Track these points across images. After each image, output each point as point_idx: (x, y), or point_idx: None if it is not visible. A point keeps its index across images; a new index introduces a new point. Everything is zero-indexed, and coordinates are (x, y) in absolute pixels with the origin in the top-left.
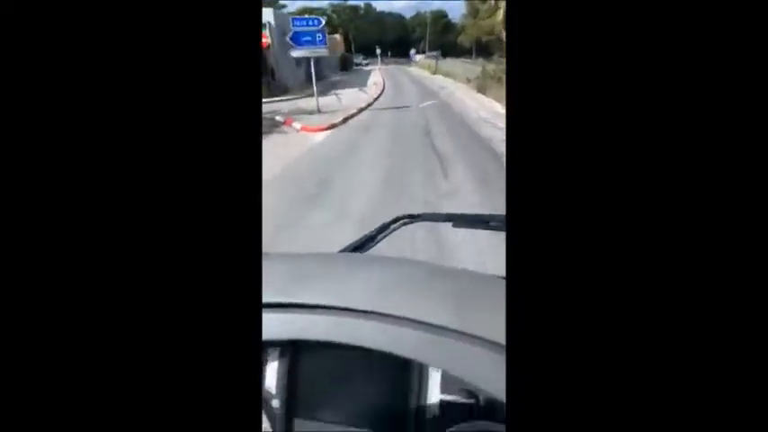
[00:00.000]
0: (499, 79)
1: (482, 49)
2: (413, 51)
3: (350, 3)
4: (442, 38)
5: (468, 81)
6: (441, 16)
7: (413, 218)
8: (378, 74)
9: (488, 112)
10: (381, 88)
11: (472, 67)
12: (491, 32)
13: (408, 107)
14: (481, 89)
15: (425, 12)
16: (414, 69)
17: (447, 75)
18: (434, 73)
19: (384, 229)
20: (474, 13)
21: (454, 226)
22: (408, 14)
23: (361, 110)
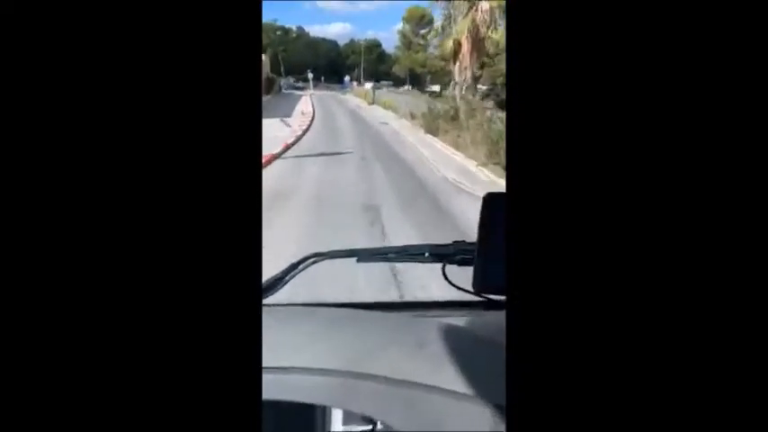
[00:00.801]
0: (453, 119)
1: (415, 80)
2: (347, 78)
3: (279, 24)
4: (375, 66)
5: (413, 117)
6: (375, 45)
7: (320, 255)
8: (307, 101)
9: (454, 170)
10: (309, 119)
11: (412, 99)
12: (424, 65)
13: (342, 154)
14: (431, 130)
15: (359, 40)
16: (348, 97)
17: (386, 106)
18: (372, 103)
19: (293, 268)
20: (407, 44)
21: (358, 261)
22: (342, 41)
23: (274, 157)
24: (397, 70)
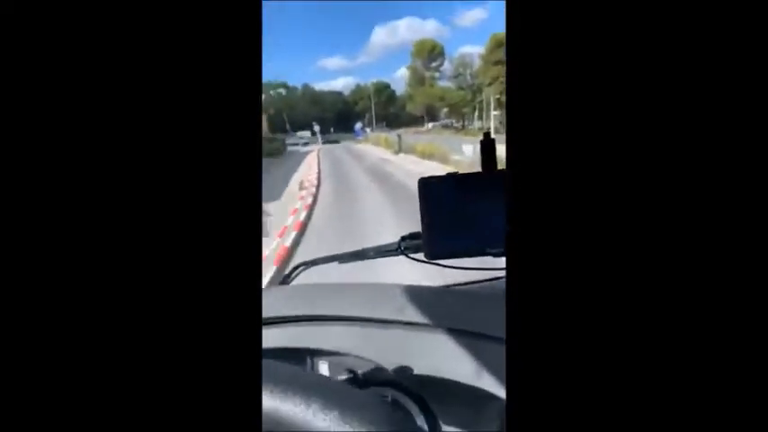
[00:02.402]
0: None
1: (433, 117)
2: (359, 125)
3: (281, 81)
4: (385, 109)
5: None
6: (384, 87)
7: (306, 264)
8: (313, 161)
9: None
10: (312, 194)
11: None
12: (442, 97)
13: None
14: None
15: (366, 83)
16: (365, 148)
17: (425, 155)
18: (398, 152)
19: (286, 279)
20: (420, 80)
21: (340, 263)
22: (348, 91)
23: None
24: (412, 108)
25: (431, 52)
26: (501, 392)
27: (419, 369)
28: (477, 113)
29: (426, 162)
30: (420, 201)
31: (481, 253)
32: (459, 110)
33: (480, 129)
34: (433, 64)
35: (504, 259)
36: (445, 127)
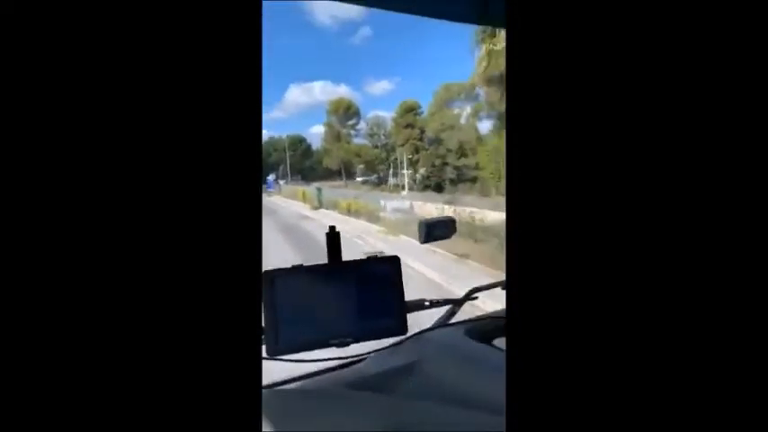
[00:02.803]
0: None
1: (349, 173)
2: (271, 176)
3: None
4: (301, 162)
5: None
6: (299, 140)
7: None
8: None
9: None
10: None
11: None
12: (359, 154)
13: None
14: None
15: (281, 136)
16: (278, 201)
17: (349, 211)
18: (319, 207)
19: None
20: (336, 136)
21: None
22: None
23: None
24: (328, 163)
25: (347, 111)
26: None
27: None
28: (391, 171)
29: (353, 220)
30: (264, 295)
31: (324, 345)
32: (375, 166)
33: (396, 185)
34: (349, 122)
35: (346, 349)
36: (364, 183)
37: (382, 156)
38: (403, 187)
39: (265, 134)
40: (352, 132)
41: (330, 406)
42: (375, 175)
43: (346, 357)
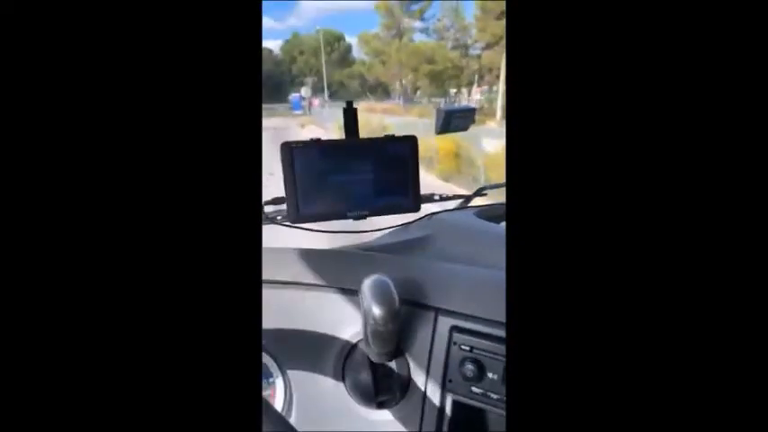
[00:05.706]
0: None
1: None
2: (302, 91)
3: None
4: (338, 71)
5: None
6: (337, 38)
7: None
8: None
9: None
10: None
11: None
12: (432, 60)
13: None
14: None
15: (318, 30)
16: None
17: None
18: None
19: None
20: (398, 34)
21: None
22: (280, 43)
23: None
24: (381, 73)
25: None
26: (343, 335)
27: (285, 324)
28: (475, 86)
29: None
30: (283, 165)
31: (342, 216)
32: (442, 81)
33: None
34: (415, 8)
35: (363, 222)
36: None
37: (462, 64)
38: (493, 115)
39: (287, 30)
40: (420, 24)
41: (350, 264)
42: (443, 99)
43: (362, 232)
